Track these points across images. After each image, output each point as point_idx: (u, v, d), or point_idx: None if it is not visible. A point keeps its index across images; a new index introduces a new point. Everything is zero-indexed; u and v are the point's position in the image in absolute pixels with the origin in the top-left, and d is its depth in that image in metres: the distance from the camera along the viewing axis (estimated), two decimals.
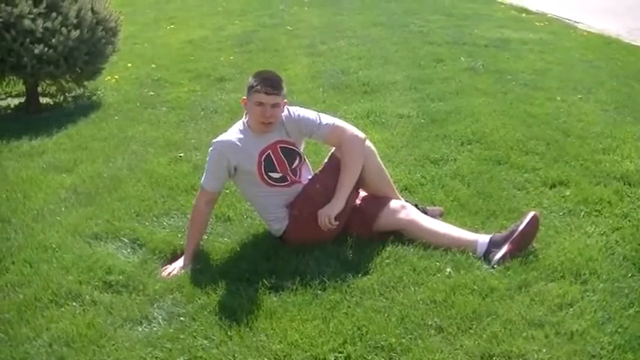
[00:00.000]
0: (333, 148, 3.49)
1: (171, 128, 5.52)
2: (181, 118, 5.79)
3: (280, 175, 3.41)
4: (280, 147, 3.42)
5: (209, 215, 3.49)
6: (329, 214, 3.29)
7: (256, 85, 3.30)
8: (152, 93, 6.65)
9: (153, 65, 7.73)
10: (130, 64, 7.75)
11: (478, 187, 4.08)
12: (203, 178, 3.42)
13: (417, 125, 5.29)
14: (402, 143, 4.88)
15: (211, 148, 3.39)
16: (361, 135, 3.43)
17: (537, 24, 9.69)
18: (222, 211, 3.80)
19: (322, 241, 3.37)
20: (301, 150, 3.54)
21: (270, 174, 3.39)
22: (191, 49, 8.60)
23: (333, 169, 3.40)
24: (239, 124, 3.45)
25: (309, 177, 3.54)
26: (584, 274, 3.10)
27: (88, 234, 3.65)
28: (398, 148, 4.78)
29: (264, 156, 3.38)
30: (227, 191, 3.90)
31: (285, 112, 3.41)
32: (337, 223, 3.32)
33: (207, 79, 7.10)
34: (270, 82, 3.30)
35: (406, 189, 4.07)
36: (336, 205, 3.32)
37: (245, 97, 3.39)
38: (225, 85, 6.84)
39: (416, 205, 3.62)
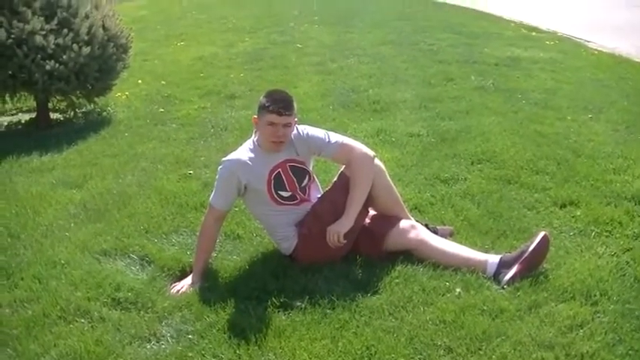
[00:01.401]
0: (343, 167, 3.50)
1: (180, 145, 5.55)
2: (191, 136, 5.82)
3: (290, 193, 3.43)
4: (290, 166, 3.43)
5: (218, 233, 3.50)
6: (338, 232, 3.30)
7: (268, 106, 3.31)
8: (162, 110, 6.69)
9: (163, 82, 7.79)
10: (140, 81, 7.82)
11: (488, 206, 4.08)
12: (212, 196, 3.43)
13: (427, 144, 5.30)
14: (412, 162, 4.89)
15: (221, 167, 3.40)
16: (370, 153, 3.44)
17: (548, 42, 9.72)
18: (232, 229, 3.82)
19: (331, 260, 3.37)
20: (310, 169, 3.55)
21: (279, 192, 3.41)
22: (201, 65, 8.66)
23: (343, 187, 3.41)
24: (249, 143, 3.47)
25: (318, 195, 3.55)
26: (595, 295, 3.08)
27: (97, 250, 3.67)
28: (408, 167, 4.79)
29: (273, 174, 3.40)
30: (236, 209, 3.91)
31: (295, 131, 3.43)
32: (345, 241, 3.32)
33: (217, 96, 7.15)
34: (282, 103, 3.32)
35: (416, 208, 4.08)
36: (345, 222, 3.33)
37: (256, 116, 3.41)
38: (235, 103, 6.88)
39: (426, 225, 3.63)
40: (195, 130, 5.96)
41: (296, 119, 3.42)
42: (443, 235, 3.60)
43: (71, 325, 3.01)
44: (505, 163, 4.80)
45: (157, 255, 3.59)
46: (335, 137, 3.47)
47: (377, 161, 3.47)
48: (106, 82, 6.41)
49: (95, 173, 4.94)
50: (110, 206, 4.28)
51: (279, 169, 3.41)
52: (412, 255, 3.41)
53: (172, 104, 6.90)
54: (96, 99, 6.60)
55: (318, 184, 3.66)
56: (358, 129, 5.70)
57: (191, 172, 4.86)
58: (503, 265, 3.25)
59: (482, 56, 8.58)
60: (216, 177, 3.43)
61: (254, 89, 7.25)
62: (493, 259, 3.30)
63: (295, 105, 3.38)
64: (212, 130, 5.94)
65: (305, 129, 3.49)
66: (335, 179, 3.54)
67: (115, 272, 3.44)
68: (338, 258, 3.40)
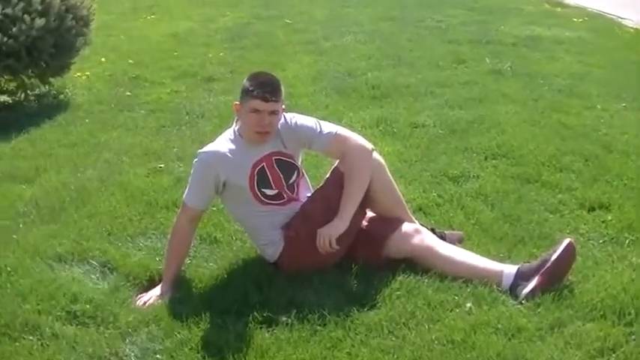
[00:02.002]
0: (336, 162, 3.49)
1: (150, 135, 5.53)
2: (162, 123, 5.79)
3: (275, 191, 3.42)
4: (276, 159, 3.43)
5: (192, 236, 3.49)
6: (330, 235, 3.29)
7: (252, 90, 3.31)
8: (129, 93, 6.66)
9: (130, 61, 7.75)
10: (103, 59, 7.78)
11: (504, 209, 4.08)
12: (186, 194, 3.42)
13: (433, 136, 5.30)
14: (417, 157, 4.88)
15: (197, 160, 3.40)
16: (368, 145, 3.43)
17: (575, 20, 9.73)
18: (208, 232, 3.80)
19: (323, 268, 3.36)
20: (299, 163, 3.54)
21: (263, 190, 3.40)
22: (174, 43, 8.63)
23: (336, 184, 3.40)
24: (229, 133, 3.46)
25: (308, 194, 3.54)
26: (629, 313, 3.07)
27: (50, 255, 3.64)
28: (411, 163, 4.78)
29: (257, 169, 3.39)
30: (214, 208, 3.90)
31: (282, 120, 3.42)
32: (338, 247, 3.31)
33: (193, 79, 7.12)
34: (269, 87, 3.31)
35: (420, 210, 4.07)
36: (339, 224, 3.32)
37: (238, 102, 3.40)
38: (214, 86, 6.85)
39: (432, 230, 3.62)
40: (167, 117, 5.94)
41: (283, 106, 3.40)
42: (451, 242, 3.59)
43: (17, 344, 2.97)
44: (524, 158, 4.80)
45: (121, 261, 3.57)
46: (328, 127, 3.45)
47: (376, 155, 3.47)
48: (63, 59, 6.37)
49: (49, 166, 4.91)
50: (67, 204, 4.26)
51: (264, 164, 3.40)
52: (416, 263, 3.40)
53: (141, 87, 6.87)
54: (51, 79, 6.56)
55: (308, 181, 3.65)
56: (355, 118, 5.69)
57: (162, 165, 4.85)
58: (522, 277, 3.25)
59: (499, 35, 8.59)
60: (191, 171, 3.43)
61: (235, 71, 7.22)
62: (509, 269, 3.30)
63: (283, 90, 3.37)
64: (187, 118, 5.91)
65: (293, 117, 3.48)
66: (327, 175, 3.53)
67: (71, 281, 3.41)
68: (330, 266, 3.39)
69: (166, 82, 7.02)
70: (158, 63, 7.69)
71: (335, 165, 3.50)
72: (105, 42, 8.46)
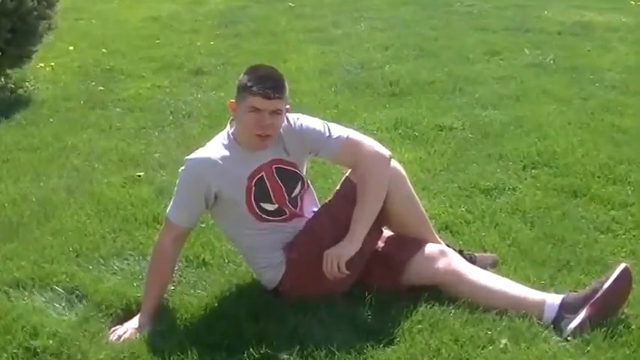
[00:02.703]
0: (348, 171, 3.50)
1: (127, 137, 5.56)
2: (141, 124, 5.83)
3: (276, 206, 3.42)
4: (277, 168, 3.43)
5: (177, 258, 3.49)
6: (339, 257, 3.28)
7: (252, 86, 3.30)
8: (102, 88, 6.71)
9: (103, 50, 7.80)
10: (71, 48, 7.82)
11: (546, 227, 4.09)
12: (170, 208, 3.42)
13: (462, 141, 5.33)
14: (442, 165, 4.91)
15: (184, 168, 3.40)
16: (385, 152, 3.44)
17: (633, 3, 9.74)
18: (196, 253, 3.82)
19: (331, 296, 3.36)
20: (304, 173, 3.55)
21: (262, 205, 3.40)
22: (156, 29, 8.69)
23: (347, 198, 3.40)
24: (222, 136, 3.46)
25: (314, 209, 3.55)
26: None
27: (6, 281, 3.64)
28: (436, 172, 4.81)
29: (255, 180, 3.39)
30: (202, 225, 3.91)
31: (285, 122, 3.43)
32: (348, 272, 3.30)
33: (179, 72, 7.17)
34: (270, 82, 3.31)
35: (446, 228, 4.09)
36: (349, 245, 3.31)
37: (234, 100, 3.40)
38: (203, 80, 6.90)
39: (460, 252, 3.63)
40: (147, 117, 5.97)
41: (288, 106, 3.41)
42: (483, 266, 3.59)
43: None
44: (570, 168, 4.82)
45: (92, 287, 3.58)
46: (338, 131, 3.46)
47: (394, 163, 3.47)
48: (22, 47, 6.40)
49: (6, 173, 4.93)
50: (27, 219, 4.27)
51: (263, 173, 3.40)
52: (441, 292, 3.40)
53: (116, 81, 6.92)
54: (8, 70, 6.59)
55: (314, 194, 3.65)
56: (369, 119, 5.72)
57: (141, 173, 4.87)
58: (567, 309, 3.24)
59: (540, 22, 8.62)
60: (177, 182, 3.43)
61: (228, 63, 7.26)
62: (552, 299, 3.30)
63: (287, 86, 3.38)
64: (171, 118, 5.95)
65: (298, 119, 3.48)
66: (337, 187, 3.54)
67: (32, 311, 3.40)
68: (340, 294, 3.39)
69: (146, 75, 7.05)
70: (137, 52, 7.73)
71: (346, 175, 3.51)
72: (73, 27, 8.52)
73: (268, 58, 7.06)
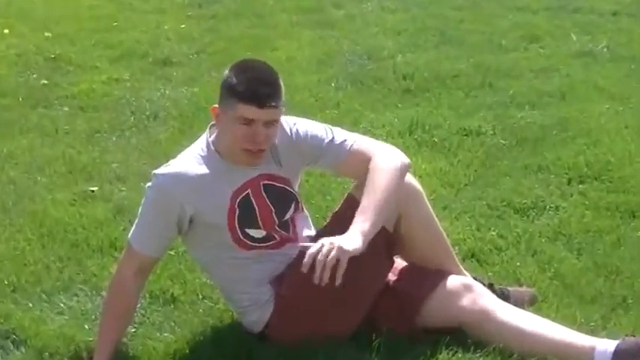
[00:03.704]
0: (353, 185, 3.52)
1: (77, 143, 5.57)
2: (95, 127, 5.84)
3: (264, 233, 3.42)
4: (265, 185, 3.43)
5: (139, 293, 3.48)
6: (341, 248, 3.11)
7: (242, 91, 3.27)
8: (46, 81, 6.72)
9: (47, 34, 7.77)
10: (6, 31, 7.80)
11: (596, 255, 4.10)
12: (133, 232, 3.41)
13: (492, 148, 5.35)
14: (468, 179, 4.93)
15: (151, 185, 3.38)
16: (405, 158, 3.44)
17: None
18: (162, 287, 3.83)
19: (331, 341, 3.35)
20: (297, 189, 3.56)
21: (247, 230, 3.39)
22: (113, 8, 8.67)
23: (349, 217, 3.32)
24: (200, 146, 3.45)
25: (310, 233, 3.56)
26: None
27: None
28: (460, 187, 4.83)
29: (239, 200, 3.38)
30: (171, 253, 3.92)
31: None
32: (340, 280, 3.13)
33: (142, 62, 7.19)
34: (266, 89, 3.28)
35: (473, 256, 4.10)
36: (355, 238, 3.20)
37: (217, 106, 3.39)
38: (172, 73, 6.92)
39: (490, 286, 3.64)
40: (102, 118, 5.98)
41: (283, 109, 3.39)
42: (518, 303, 3.61)
43: None
44: (626, 182, 4.83)
45: (32, 330, 3.57)
46: (342, 134, 3.48)
47: (409, 177, 3.48)
48: None
49: None
50: None
51: (249, 191, 3.40)
52: (466, 334, 3.40)
53: (63, 73, 6.92)
54: None
55: (308, 216, 3.66)
56: (378, 122, 5.74)
57: (94, 188, 4.88)
58: (623, 357, 3.24)
59: (590, 0, 8.61)
60: (142, 201, 3.41)
61: (203, 51, 7.26)
62: (604, 345, 3.29)
63: (283, 90, 3.35)
64: (132, 119, 5.97)
65: (295, 124, 3.49)
66: (339, 206, 3.56)
67: None
68: (342, 337, 3.38)
69: (101, 65, 7.05)
70: (89, 37, 7.72)
71: (351, 190, 3.52)
72: (9, 5, 8.50)
73: (252, 46, 7.08)
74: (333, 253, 3.10)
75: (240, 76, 3.33)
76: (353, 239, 3.17)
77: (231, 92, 3.31)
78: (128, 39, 7.66)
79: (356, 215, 3.25)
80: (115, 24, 8.13)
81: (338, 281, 3.10)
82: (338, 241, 3.14)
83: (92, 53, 7.32)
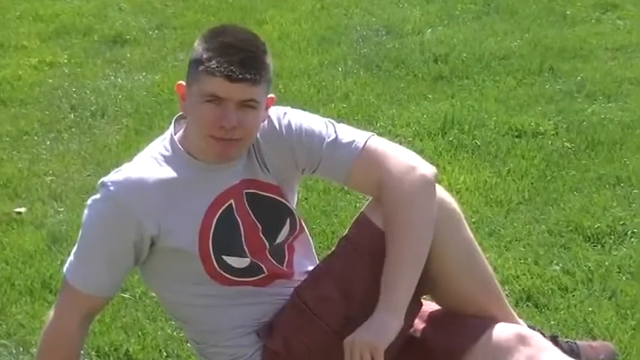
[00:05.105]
0: (367, 204, 3.52)
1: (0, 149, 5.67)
2: (23, 127, 5.93)
3: (248, 261, 3.43)
4: (248, 195, 3.44)
5: (81, 347, 3.49)
6: (372, 345, 3.20)
7: (208, 59, 3.28)
8: None
9: None
10: None
11: None
12: (72, 265, 3.40)
13: (554, 154, 5.41)
14: (521, 195, 4.98)
15: (98, 197, 3.36)
16: (427, 169, 3.43)
17: None
18: (114, 341, 3.86)
19: None
20: (294, 204, 3.58)
21: (226, 258, 3.41)
22: None
23: (364, 246, 3.42)
24: (162, 144, 3.46)
25: (310, 267, 3.58)
26: None
27: None
28: (510, 206, 4.88)
29: (217, 216, 3.39)
30: (125, 295, 3.99)
31: (265, 121, 3.44)
32: None
33: (85, 40, 7.28)
34: (239, 55, 3.28)
35: (529, 299, 4.14)
36: (388, 322, 3.25)
37: (183, 82, 3.39)
38: (126, 55, 7.01)
39: (553, 338, 3.66)
40: (32, 115, 6.07)
41: (271, 96, 3.42)
42: None
43: None
44: None
45: None
46: (350, 134, 3.48)
47: (441, 192, 3.47)
48: None
49: None
50: None
51: (231, 202, 3.41)
52: None
53: None
54: None
55: (310, 241, 3.68)
56: (400, 119, 5.81)
57: (21, 209, 4.94)
58: None
59: None
60: (84, 220, 3.40)
61: (167, 25, 7.30)
62: None
63: (269, 62, 3.37)
64: (72, 116, 6.06)
65: (285, 115, 3.50)
66: (349, 229, 3.55)
67: None
68: None
69: (31, 44, 7.10)
70: (13, 7, 7.76)
71: (364, 210, 3.52)
72: None
73: (232, 18, 7.10)
74: (365, 356, 3.20)
75: (209, 41, 3.33)
76: (385, 326, 3.25)
77: (196, 62, 3.31)
78: (66, 10, 7.68)
79: (383, 278, 3.29)
80: None
81: None
82: (366, 337, 3.21)
83: (17, 29, 7.35)
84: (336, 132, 3.48)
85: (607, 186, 5.04)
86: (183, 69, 3.42)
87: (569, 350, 3.63)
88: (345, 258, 3.49)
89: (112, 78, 6.57)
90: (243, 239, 3.42)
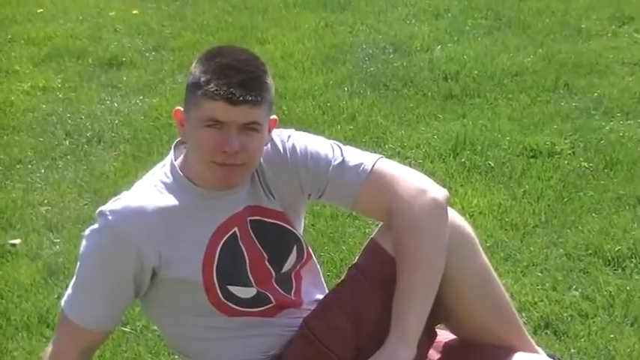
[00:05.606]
0: (378, 230, 3.49)
1: None
2: (16, 155, 5.90)
3: (254, 291, 3.42)
4: (253, 222, 3.43)
5: None
6: None
7: (207, 82, 3.26)
8: None
9: None
10: None
11: None
12: (70, 298, 3.37)
13: (571, 174, 5.38)
14: (538, 218, 4.96)
15: (96, 227, 3.33)
16: (438, 193, 3.41)
17: None
18: None
19: None
20: (300, 231, 3.55)
21: (230, 288, 3.39)
22: None
23: (375, 272, 3.40)
24: (162, 171, 3.44)
25: (319, 295, 3.55)
26: None
27: None
28: (527, 230, 4.85)
29: (220, 245, 3.37)
30: (126, 329, 3.95)
31: (268, 145, 3.42)
32: None
33: (79, 63, 7.27)
34: (239, 76, 3.26)
35: (547, 326, 4.11)
36: (400, 349, 3.24)
37: (181, 108, 3.37)
38: (122, 78, 6.98)
39: None
40: (25, 143, 6.04)
41: (273, 117, 3.39)
42: None
43: None
44: None
45: None
46: (357, 156, 3.45)
47: (454, 215, 3.46)
48: None
49: None
50: None
51: (235, 230, 3.40)
52: None
53: None
54: None
55: (319, 269, 3.65)
56: (409, 140, 5.78)
57: (16, 241, 4.91)
58: None
59: None
60: (81, 251, 3.36)
61: (164, 46, 7.31)
62: None
63: (271, 82, 3.34)
64: (67, 143, 6.03)
65: (290, 138, 3.47)
66: (358, 256, 3.50)
67: None
68: None
69: (22, 69, 7.09)
70: (4, 31, 7.77)
71: (374, 236, 3.48)
72: None
73: (233, 38, 7.11)
74: None
75: (207, 63, 3.31)
76: (397, 357, 3.24)
77: (195, 85, 3.29)
78: (58, 32, 7.70)
79: (394, 306, 3.28)
80: (40, 10, 8.19)
81: None
82: None
83: (9, 52, 7.36)
84: (342, 155, 3.46)
85: (627, 207, 5.01)
86: (181, 92, 3.39)
87: None
88: (354, 286, 3.46)
89: (108, 102, 6.56)
90: (248, 268, 3.38)
